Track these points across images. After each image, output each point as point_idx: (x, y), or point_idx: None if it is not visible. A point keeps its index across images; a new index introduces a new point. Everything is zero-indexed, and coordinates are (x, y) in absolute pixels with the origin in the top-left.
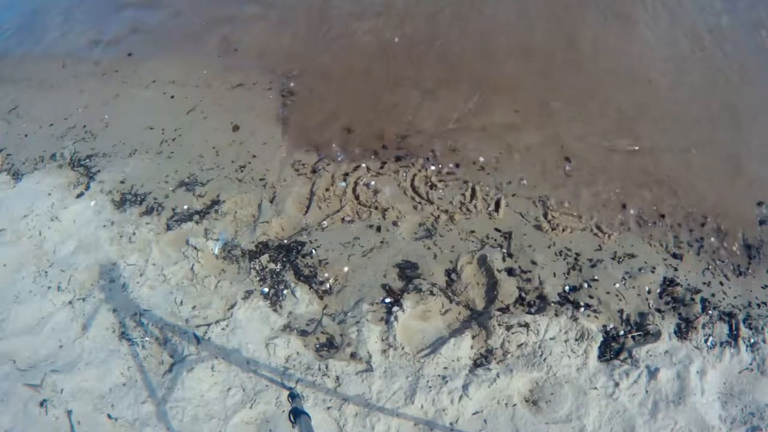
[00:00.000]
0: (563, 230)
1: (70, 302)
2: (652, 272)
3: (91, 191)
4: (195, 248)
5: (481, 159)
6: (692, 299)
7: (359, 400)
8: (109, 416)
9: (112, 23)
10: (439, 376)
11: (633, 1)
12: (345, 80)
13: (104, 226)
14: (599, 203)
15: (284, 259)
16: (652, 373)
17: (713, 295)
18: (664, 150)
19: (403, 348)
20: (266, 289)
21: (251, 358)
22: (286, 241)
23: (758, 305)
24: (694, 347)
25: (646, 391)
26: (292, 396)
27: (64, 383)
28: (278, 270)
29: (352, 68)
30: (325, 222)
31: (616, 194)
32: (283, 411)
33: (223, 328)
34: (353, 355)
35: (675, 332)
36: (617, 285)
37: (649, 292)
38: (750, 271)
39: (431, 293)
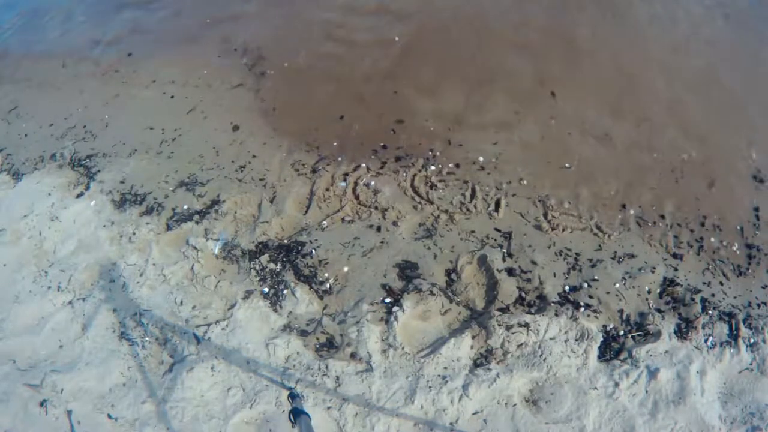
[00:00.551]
0: (563, 230)
1: (70, 302)
2: (652, 272)
3: (91, 191)
4: (195, 248)
5: (481, 159)
6: (692, 299)
7: (359, 400)
8: (109, 416)
9: (112, 23)
10: (439, 376)
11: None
12: (344, 79)
13: (104, 226)
14: (599, 203)
15: (284, 259)
16: (652, 373)
17: (713, 295)
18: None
19: (403, 348)
20: (266, 289)
21: (251, 358)
22: (286, 241)
23: (758, 305)
24: (694, 347)
25: (646, 391)
26: (292, 396)
27: (64, 383)
28: (278, 270)
29: (349, 66)
30: (325, 222)
31: (616, 193)
32: (283, 411)
33: (223, 328)
34: (353, 355)
35: (675, 332)
36: (617, 285)
37: (649, 292)
38: (750, 271)
39: (431, 293)
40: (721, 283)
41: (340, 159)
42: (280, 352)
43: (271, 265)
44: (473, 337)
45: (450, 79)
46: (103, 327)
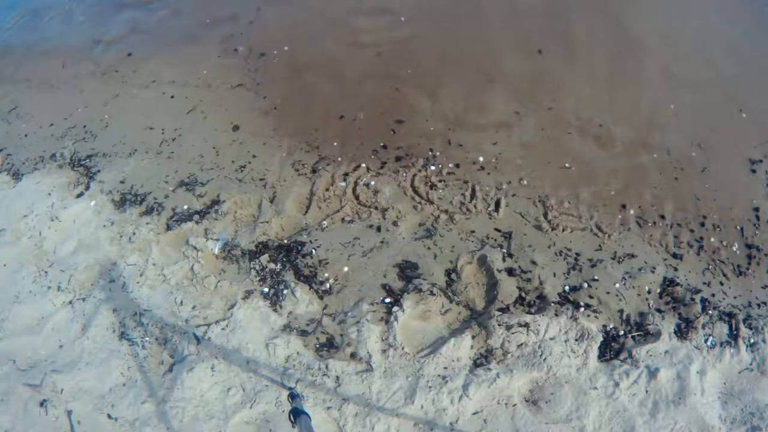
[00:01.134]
0: (563, 230)
1: (70, 302)
2: (652, 272)
3: (91, 191)
4: (195, 248)
5: (481, 159)
6: (692, 299)
7: (359, 400)
8: (109, 416)
9: (112, 23)
10: (439, 376)
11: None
12: (344, 79)
13: (104, 226)
14: (599, 203)
15: (284, 259)
16: (652, 373)
17: (713, 295)
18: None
19: (403, 348)
20: (266, 289)
21: (251, 358)
22: (286, 241)
23: (758, 305)
24: (694, 347)
25: (646, 391)
26: (292, 396)
27: (64, 383)
28: (278, 270)
29: (349, 66)
30: (325, 222)
31: (616, 193)
32: (283, 411)
33: (223, 328)
34: (353, 355)
35: (675, 332)
36: (617, 285)
37: (649, 292)
38: (750, 271)
39: (431, 293)
40: (721, 283)
41: (340, 159)
42: (280, 352)
43: (271, 265)
44: (473, 337)
45: (450, 78)
46: (103, 327)
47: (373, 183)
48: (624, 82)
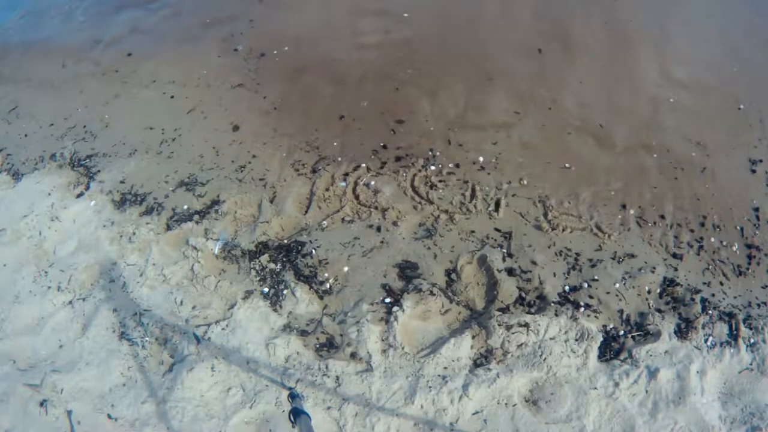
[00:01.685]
0: (563, 230)
1: (70, 302)
2: (652, 272)
3: (91, 191)
4: (195, 248)
5: (481, 159)
6: (692, 299)
7: (359, 400)
8: (109, 416)
9: (112, 23)
10: (439, 376)
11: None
12: (344, 79)
13: (104, 226)
14: (599, 203)
15: (284, 259)
16: (652, 373)
17: (713, 295)
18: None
19: (403, 348)
20: (266, 289)
21: (251, 358)
22: (286, 241)
23: (758, 305)
24: (694, 347)
25: (646, 391)
26: (292, 396)
27: (64, 383)
28: (278, 270)
29: (349, 66)
30: (325, 222)
31: (616, 193)
32: (283, 411)
33: (223, 328)
34: (353, 355)
35: (675, 332)
36: (617, 285)
37: (649, 292)
38: (750, 271)
39: (431, 293)
40: (721, 283)
41: (340, 159)
42: (280, 352)
43: (271, 265)
44: (473, 337)
45: (450, 78)
46: (103, 327)
47: (373, 183)
48: (624, 81)
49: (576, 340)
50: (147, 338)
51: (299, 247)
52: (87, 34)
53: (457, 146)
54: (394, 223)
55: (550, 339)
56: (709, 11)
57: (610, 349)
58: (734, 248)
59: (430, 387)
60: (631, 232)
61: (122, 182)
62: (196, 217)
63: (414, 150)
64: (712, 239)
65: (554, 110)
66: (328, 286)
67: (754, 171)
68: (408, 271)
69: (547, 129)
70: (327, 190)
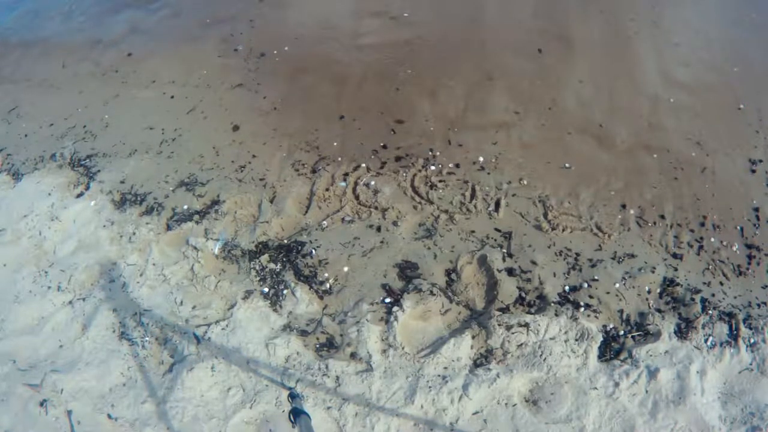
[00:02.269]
0: (563, 230)
1: (70, 302)
2: (652, 272)
3: (91, 191)
4: (195, 248)
5: (481, 159)
6: (692, 299)
7: (359, 400)
8: (109, 416)
9: (112, 23)
10: (439, 376)
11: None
12: (344, 79)
13: (104, 226)
14: (599, 203)
15: (284, 259)
16: (652, 373)
17: (713, 295)
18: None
19: (403, 348)
20: (266, 289)
21: (251, 358)
22: (286, 241)
23: (758, 305)
24: (694, 347)
25: (646, 391)
26: (292, 396)
27: (64, 383)
28: (278, 270)
29: (349, 66)
30: (325, 222)
31: (616, 193)
32: (283, 411)
33: (223, 328)
34: (353, 355)
35: (675, 332)
36: (617, 285)
37: (649, 292)
38: (750, 271)
39: (431, 293)
40: (721, 283)
41: (340, 159)
42: (280, 352)
43: (271, 265)
44: (473, 337)
45: (450, 78)
46: (103, 327)
47: (373, 183)
48: (624, 81)
49: (576, 340)
50: (147, 338)
51: (299, 247)
52: (87, 34)
53: (457, 146)
54: (394, 223)
55: (550, 339)
56: (709, 11)
57: (610, 349)
58: (734, 248)
59: (430, 387)
60: (631, 232)
61: (122, 182)
62: (196, 217)
63: (414, 150)
64: (712, 239)
65: (554, 110)
66: (328, 286)
67: (754, 171)
68: (408, 271)
69: (547, 129)
70: (327, 190)
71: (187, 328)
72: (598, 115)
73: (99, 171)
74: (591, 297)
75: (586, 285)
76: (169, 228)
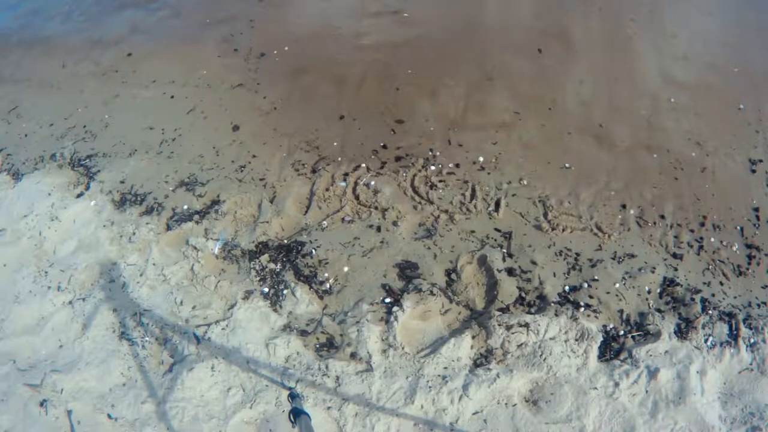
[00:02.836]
0: (563, 230)
1: (70, 302)
2: (652, 272)
3: (91, 191)
4: (195, 248)
5: (481, 159)
6: (692, 299)
7: (359, 400)
8: (109, 416)
9: (112, 23)
10: (439, 376)
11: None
12: (344, 80)
13: (104, 226)
14: (599, 203)
15: (284, 259)
16: (652, 373)
17: (713, 295)
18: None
19: (403, 348)
20: (266, 289)
21: (251, 358)
22: (286, 241)
23: (758, 305)
24: (694, 347)
25: (646, 391)
26: (292, 396)
27: (64, 383)
28: (278, 270)
29: (349, 66)
30: (325, 222)
31: (616, 193)
32: (283, 411)
33: (223, 328)
34: (353, 355)
35: (675, 332)
36: (617, 285)
37: (649, 292)
38: (750, 271)
39: (431, 293)
40: (721, 283)
41: (340, 159)
42: (280, 352)
43: (271, 265)
44: (473, 337)
45: (450, 78)
46: (103, 327)
47: (373, 183)
48: (624, 81)
49: (576, 340)
50: (147, 338)
51: (299, 247)
52: (87, 34)
53: (457, 146)
54: (394, 223)
55: (550, 339)
56: (709, 10)
57: (610, 349)
58: (734, 248)
59: (430, 387)
60: (631, 232)
61: (122, 182)
62: (196, 217)
63: (414, 150)
64: (712, 239)
65: (554, 110)
66: (328, 286)
67: (754, 171)
68: (408, 271)
69: (547, 129)
70: (327, 190)
71: (187, 328)
72: (598, 115)
73: (99, 171)
74: (591, 297)
75: (586, 285)
76: (169, 228)
